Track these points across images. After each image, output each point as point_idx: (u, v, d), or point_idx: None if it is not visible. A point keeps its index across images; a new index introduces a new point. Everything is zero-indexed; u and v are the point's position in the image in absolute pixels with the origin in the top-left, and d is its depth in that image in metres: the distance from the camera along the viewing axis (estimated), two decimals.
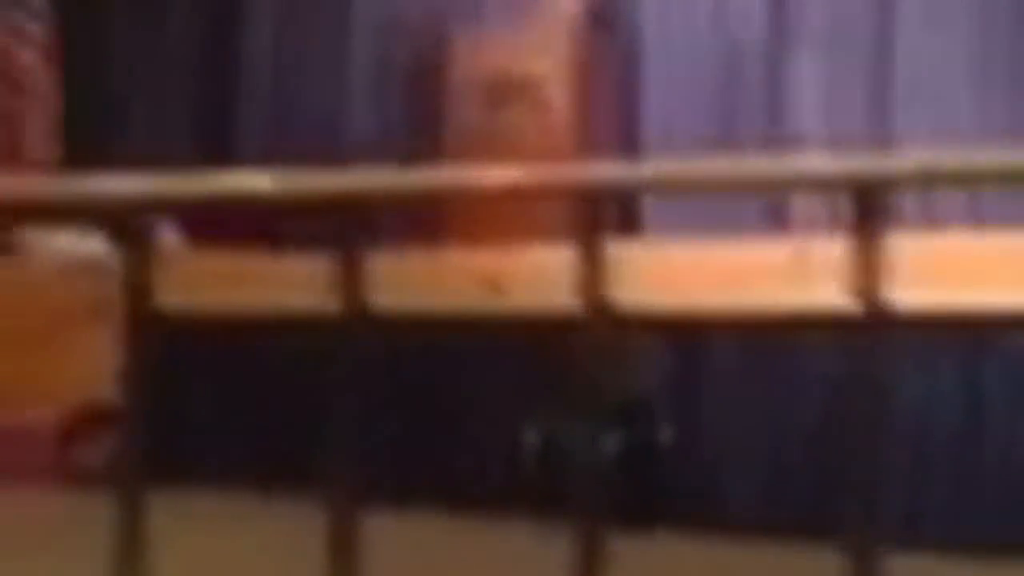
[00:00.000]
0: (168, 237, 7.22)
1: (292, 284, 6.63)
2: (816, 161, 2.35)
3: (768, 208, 7.75)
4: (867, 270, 2.19)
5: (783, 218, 7.71)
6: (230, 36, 8.92)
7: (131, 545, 2.34)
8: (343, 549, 2.18)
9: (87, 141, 8.61)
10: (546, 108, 8.00)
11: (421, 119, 8.59)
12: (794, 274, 6.21)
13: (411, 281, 6.62)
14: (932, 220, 7.01)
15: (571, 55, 8.02)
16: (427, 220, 7.75)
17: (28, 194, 4.00)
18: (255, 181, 3.22)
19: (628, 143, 8.19)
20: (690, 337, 6.91)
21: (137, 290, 3.45)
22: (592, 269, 2.40)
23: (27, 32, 8.24)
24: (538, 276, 6.46)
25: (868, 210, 2.25)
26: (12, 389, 6.92)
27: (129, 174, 3.39)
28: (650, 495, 6.82)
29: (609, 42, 8.19)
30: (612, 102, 8.22)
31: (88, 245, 7.34)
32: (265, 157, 8.45)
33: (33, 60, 8.25)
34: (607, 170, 2.64)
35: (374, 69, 8.76)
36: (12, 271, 7.71)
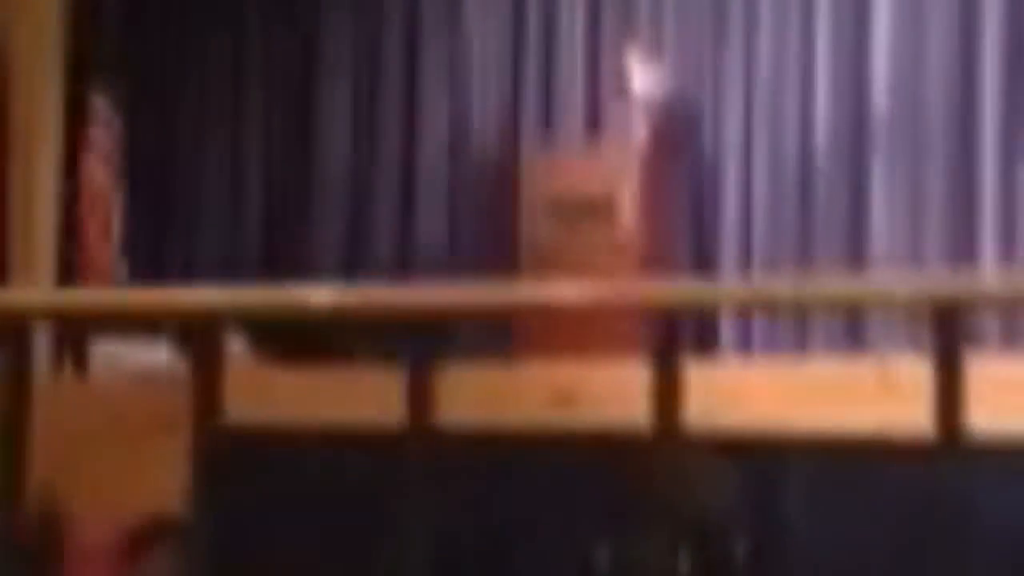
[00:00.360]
0: (234, 348, 7.20)
1: (361, 399, 6.59)
2: (895, 280, 2.29)
3: (847, 329, 7.66)
4: (948, 393, 2.11)
5: (861, 339, 7.61)
6: (302, 148, 8.96)
7: None
8: None
9: (155, 254, 8.64)
10: (618, 227, 7.97)
11: (493, 235, 8.58)
12: (875, 395, 6.13)
13: (483, 395, 6.57)
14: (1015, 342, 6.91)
15: (643, 174, 8.01)
16: (501, 336, 7.70)
17: (99, 306, 3.98)
18: (318, 296, 3.19)
19: (703, 262, 8.14)
20: (767, 455, 6.80)
21: (206, 403, 3.41)
22: (668, 387, 2.34)
23: (94, 141, 8.30)
24: (611, 392, 6.39)
25: (949, 332, 2.17)
26: (78, 504, 6.90)
27: (199, 287, 3.36)
28: None
29: (684, 161, 8.17)
30: (686, 221, 8.19)
31: (155, 356, 7.33)
32: (335, 270, 8.44)
33: (99, 169, 8.30)
34: (684, 286, 2.59)
35: (445, 184, 8.77)
36: (81, 383, 7.71)
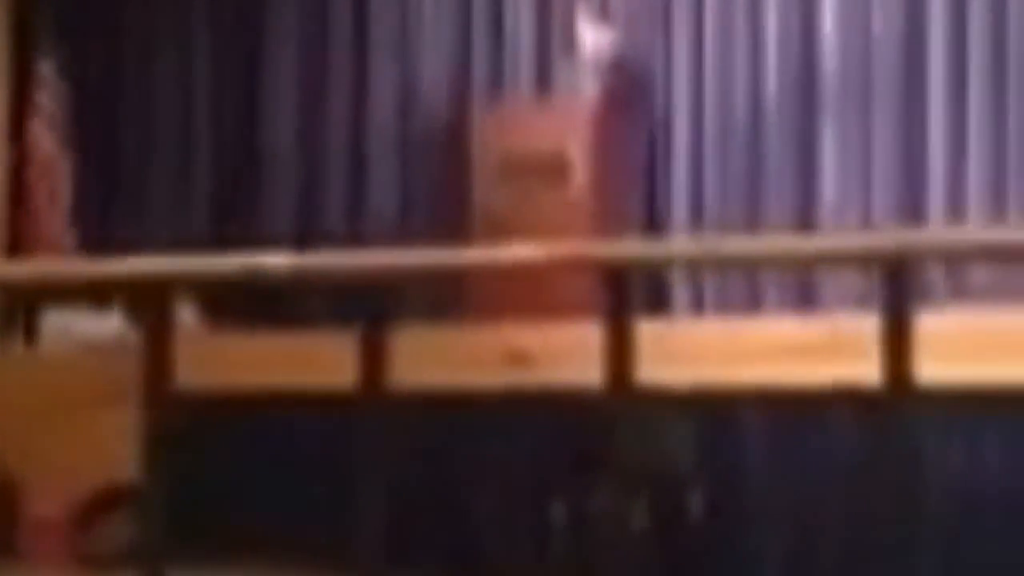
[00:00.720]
0: (186, 318, 7.18)
1: (313, 363, 6.58)
2: (844, 238, 2.30)
3: (797, 286, 7.71)
4: (896, 344, 2.14)
5: (812, 296, 7.67)
6: (251, 113, 8.91)
7: None
8: None
9: (104, 223, 8.59)
10: (569, 185, 7.98)
11: (443, 197, 8.58)
12: (825, 351, 6.17)
13: (435, 357, 6.58)
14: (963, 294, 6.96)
15: (595, 132, 8.01)
16: (455, 297, 7.71)
17: (49, 276, 3.96)
18: (273, 262, 3.19)
19: (654, 220, 8.16)
20: (719, 412, 6.85)
21: (157, 370, 3.40)
22: (619, 345, 2.35)
23: (41, 110, 8.24)
24: (565, 352, 6.41)
25: (897, 286, 2.19)
26: (29, 473, 6.88)
27: (149, 256, 3.35)
28: (680, 567, 6.76)
29: (635, 118, 8.17)
30: (637, 179, 8.20)
31: (105, 325, 7.30)
32: (287, 237, 8.42)
33: (46, 136, 8.23)
34: (635, 247, 2.60)
35: (393, 146, 8.75)
36: (30, 354, 7.68)
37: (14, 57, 8.32)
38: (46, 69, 8.25)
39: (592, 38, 8.06)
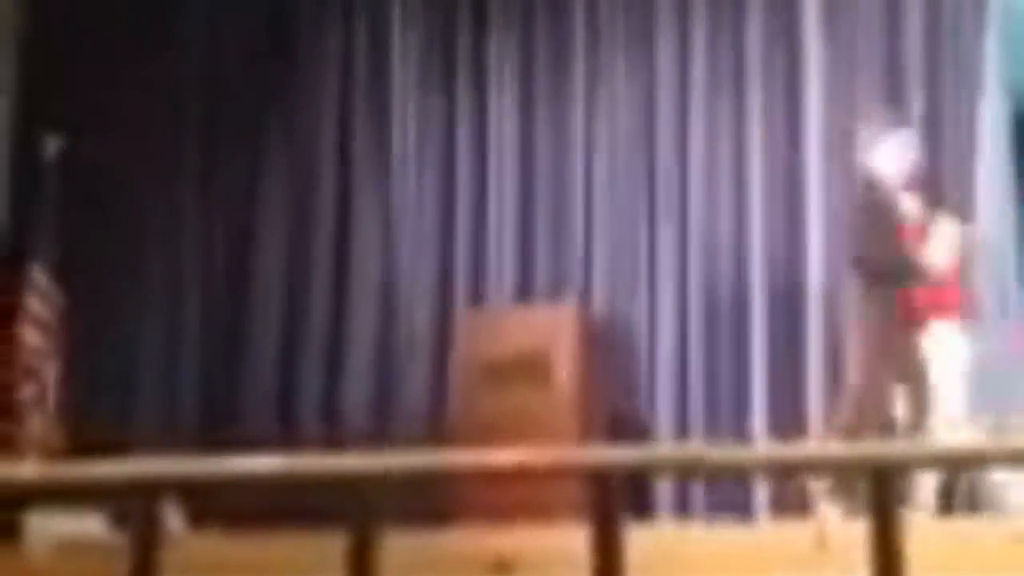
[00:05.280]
0: (172, 521, 7.14)
1: (301, 567, 6.53)
2: (833, 445, 2.33)
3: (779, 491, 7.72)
4: (886, 555, 2.14)
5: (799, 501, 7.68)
6: (235, 318, 8.98)
7: None
8: None
9: (90, 425, 8.59)
10: (552, 387, 8.01)
11: (425, 398, 8.60)
12: (813, 559, 6.13)
13: (419, 562, 6.53)
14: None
15: (576, 332, 8.08)
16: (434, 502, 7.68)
17: (36, 480, 3.95)
18: (263, 464, 3.19)
19: (634, 421, 8.20)
20: None
21: (144, 572, 3.37)
22: (607, 552, 2.35)
23: (29, 313, 8.28)
24: (550, 557, 6.37)
25: (886, 493, 2.21)
26: None
27: (136, 458, 3.35)
28: None
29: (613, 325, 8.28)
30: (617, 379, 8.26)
31: (89, 526, 7.25)
32: (270, 438, 8.42)
33: (35, 341, 8.27)
34: (619, 453, 2.61)
35: (375, 348, 8.80)
36: (13, 556, 7.60)
37: (7, 261, 8.40)
38: (37, 274, 8.33)
39: None
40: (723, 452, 2.18)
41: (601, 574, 2.12)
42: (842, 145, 8.09)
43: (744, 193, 8.41)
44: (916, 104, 8.11)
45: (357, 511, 2.91)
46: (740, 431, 8.07)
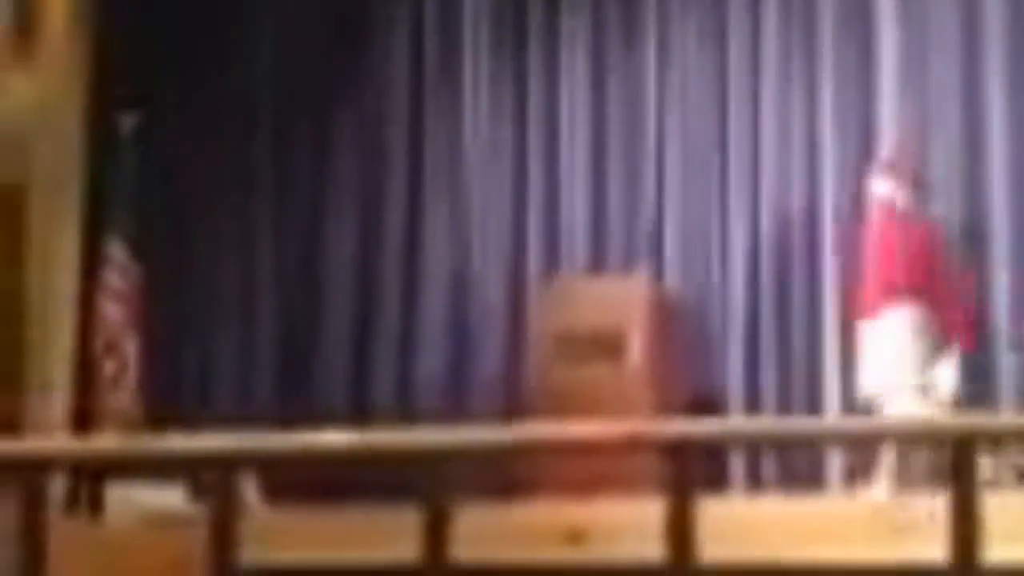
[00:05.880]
0: (248, 493, 7.22)
1: (374, 539, 6.58)
2: (908, 416, 2.33)
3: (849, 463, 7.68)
4: (963, 525, 2.14)
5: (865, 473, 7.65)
6: (310, 291, 9.03)
7: None
8: None
9: (169, 398, 8.68)
10: (625, 359, 8.00)
11: (499, 372, 8.61)
12: (887, 530, 6.11)
13: (494, 534, 6.56)
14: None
15: (649, 306, 8.07)
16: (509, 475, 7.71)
17: (117, 452, 4.01)
18: (335, 440, 3.23)
19: (706, 396, 8.19)
20: None
21: (221, 546, 3.43)
22: (681, 522, 2.37)
23: (109, 288, 8.38)
24: (622, 529, 6.38)
25: (965, 464, 2.20)
26: None
27: (214, 432, 3.40)
28: None
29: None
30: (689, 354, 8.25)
31: (169, 498, 7.34)
32: (341, 412, 8.46)
33: (115, 316, 8.37)
34: (693, 426, 2.63)
35: (448, 322, 8.82)
36: (95, 527, 7.71)
37: (85, 237, 8.50)
38: (115, 249, 8.42)
39: None
40: (801, 424, 2.18)
41: (675, 546, 2.14)
42: (916, 117, 8.04)
43: (816, 165, 8.36)
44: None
45: (432, 485, 2.94)
46: (812, 405, 8.03)
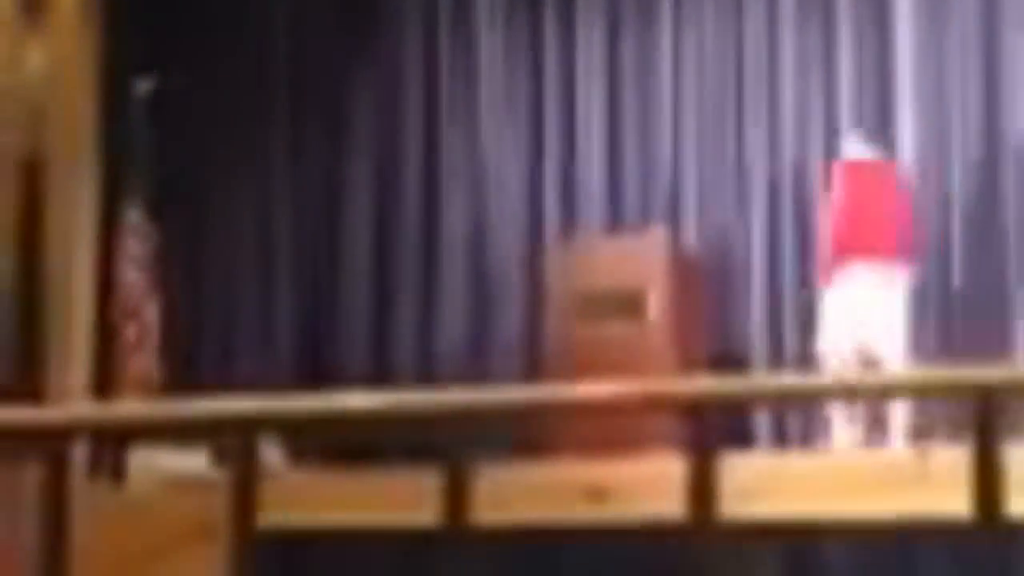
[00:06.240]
0: (270, 456, 7.24)
1: (395, 501, 6.60)
2: (934, 368, 2.32)
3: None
4: (988, 477, 2.13)
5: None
6: (329, 254, 9.04)
7: None
8: None
9: (190, 362, 8.70)
10: (645, 318, 7.99)
11: (519, 333, 8.61)
12: (910, 483, 6.11)
13: (514, 494, 6.57)
14: None
15: (668, 263, 8.06)
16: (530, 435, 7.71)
17: (139, 417, 4.02)
18: (356, 401, 3.23)
19: (728, 352, 8.18)
20: (804, 544, 6.79)
21: (242, 509, 3.43)
22: (703, 479, 2.36)
23: (129, 253, 8.39)
24: (643, 487, 6.39)
25: (989, 416, 2.19)
26: None
27: (235, 395, 3.40)
28: None
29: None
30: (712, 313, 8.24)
31: (191, 463, 7.37)
32: (360, 373, 8.48)
33: (135, 281, 8.38)
34: (712, 383, 2.63)
35: (467, 283, 8.82)
36: (118, 492, 7.74)
37: (103, 203, 8.50)
38: (134, 214, 8.43)
39: None
40: (818, 379, 2.18)
41: (697, 504, 2.14)
42: (933, 72, 8.00)
43: (833, 118, 8.33)
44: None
45: (453, 446, 2.94)
46: None
